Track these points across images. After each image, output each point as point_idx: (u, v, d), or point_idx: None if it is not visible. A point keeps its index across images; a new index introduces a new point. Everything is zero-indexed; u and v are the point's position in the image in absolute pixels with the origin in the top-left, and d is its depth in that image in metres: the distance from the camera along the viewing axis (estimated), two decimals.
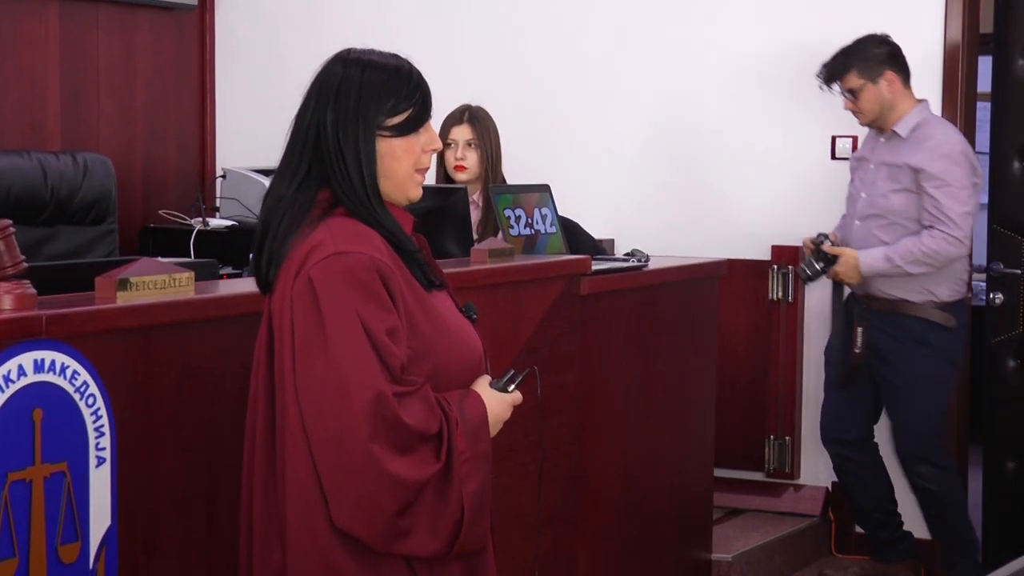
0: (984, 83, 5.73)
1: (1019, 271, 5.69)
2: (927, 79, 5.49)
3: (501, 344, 3.77)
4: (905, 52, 5.49)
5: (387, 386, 2.54)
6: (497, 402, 2.74)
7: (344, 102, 2.68)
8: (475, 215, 4.93)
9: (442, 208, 4.59)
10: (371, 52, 2.75)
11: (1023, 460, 5.72)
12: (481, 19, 6.26)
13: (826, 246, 5.11)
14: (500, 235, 4.24)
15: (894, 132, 5.14)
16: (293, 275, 2.60)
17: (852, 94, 5.16)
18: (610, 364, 4.31)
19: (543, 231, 4.35)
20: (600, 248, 5.07)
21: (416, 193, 2.75)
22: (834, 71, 5.18)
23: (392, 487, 2.55)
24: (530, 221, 4.33)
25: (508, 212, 4.27)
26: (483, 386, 2.74)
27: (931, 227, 5.00)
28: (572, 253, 4.39)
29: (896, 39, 5.50)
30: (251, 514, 2.72)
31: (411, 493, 2.56)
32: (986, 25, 5.70)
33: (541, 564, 3.93)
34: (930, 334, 5.08)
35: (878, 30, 5.51)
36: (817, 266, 5.13)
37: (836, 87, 5.20)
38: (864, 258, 5.08)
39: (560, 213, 4.49)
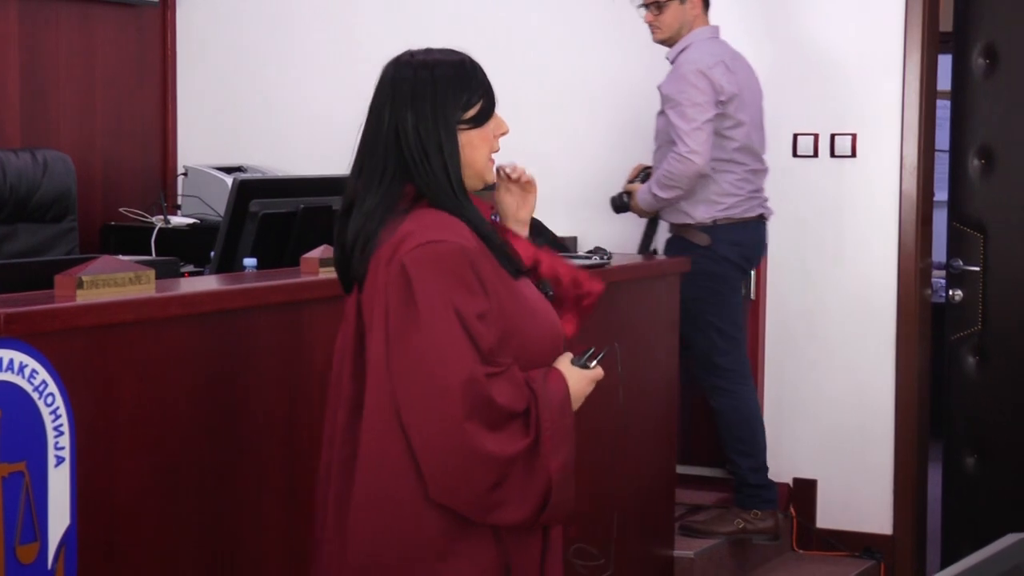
0: (944, 81, 5.76)
1: (978, 268, 5.72)
2: (887, 77, 5.52)
3: None
4: (866, 50, 5.53)
5: (479, 368, 2.67)
6: (578, 378, 2.84)
7: (422, 103, 2.80)
8: None
9: None
10: (432, 51, 2.90)
11: (983, 456, 5.75)
12: (442, 16, 6.25)
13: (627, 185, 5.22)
14: None
15: (667, 56, 5.26)
16: (384, 264, 2.70)
17: (657, 7, 5.24)
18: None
19: None
20: (562, 246, 5.08)
21: (492, 176, 2.89)
22: None
23: (485, 463, 2.68)
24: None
25: None
26: (565, 363, 2.85)
27: (670, 148, 5.08)
28: None
29: (857, 37, 5.54)
30: (327, 498, 2.80)
31: (503, 468, 2.69)
32: (946, 24, 5.73)
33: None
34: (689, 255, 5.10)
35: (837, 29, 5.54)
36: (623, 199, 5.25)
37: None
38: (639, 193, 5.18)
39: None
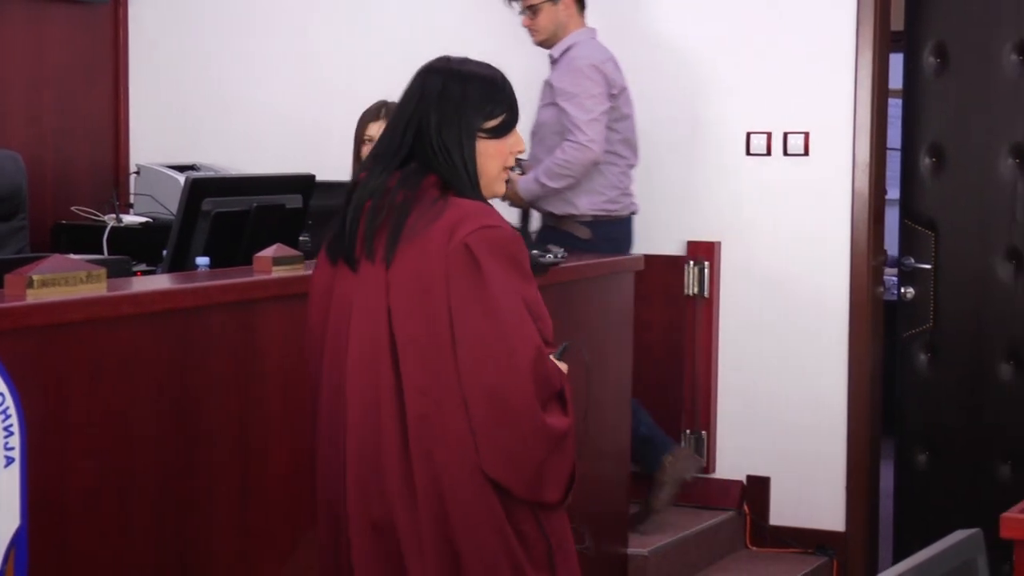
0: (896, 80, 5.80)
1: (930, 266, 5.76)
2: (839, 76, 5.55)
3: None
4: (818, 49, 5.55)
5: (543, 346, 2.81)
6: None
7: (447, 105, 2.91)
8: None
9: None
10: (468, 61, 3.00)
11: (934, 452, 5.79)
12: (395, 17, 6.24)
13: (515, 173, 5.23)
14: None
15: (551, 55, 5.36)
16: (440, 247, 2.79)
17: (532, 11, 5.36)
18: None
19: None
20: None
21: (502, 189, 2.99)
22: None
23: (544, 437, 2.81)
24: None
25: None
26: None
27: (565, 139, 5.18)
28: None
29: (809, 36, 5.56)
30: (364, 473, 2.83)
31: (555, 443, 2.83)
32: (897, 23, 5.77)
33: None
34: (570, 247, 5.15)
35: (789, 28, 5.57)
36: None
37: (516, 5, 5.42)
38: (520, 182, 5.25)
39: None
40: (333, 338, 2.89)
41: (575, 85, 5.20)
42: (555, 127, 5.23)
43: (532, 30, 5.39)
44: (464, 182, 2.89)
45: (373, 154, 2.96)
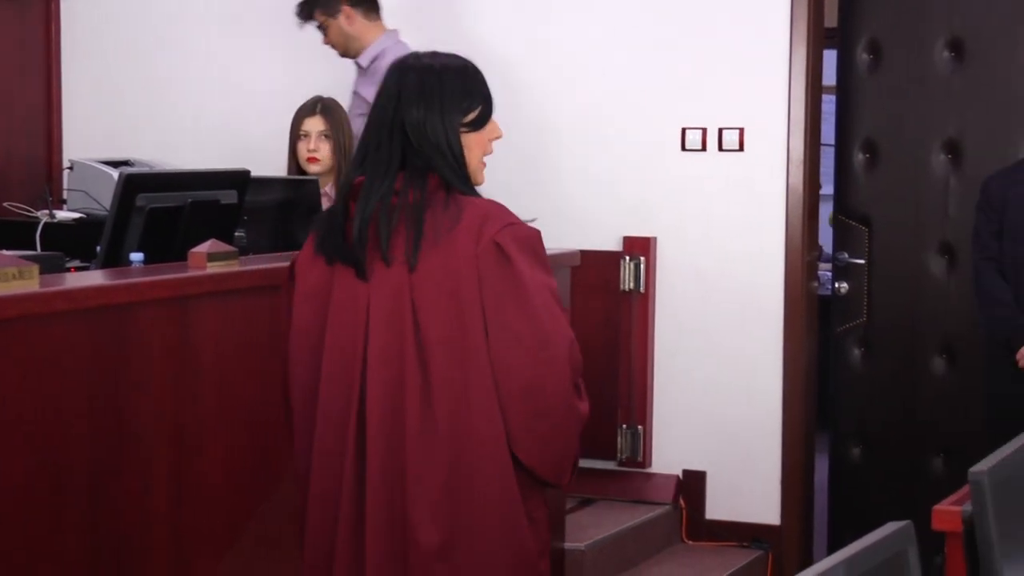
0: (829, 76, 5.84)
1: (863, 261, 5.80)
2: (773, 72, 5.58)
3: None
4: (752, 45, 5.58)
5: (572, 335, 2.92)
6: None
7: (428, 101, 2.96)
8: (327, 207, 4.90)
9: (293, 200, 4.57)
10: (437, 54, 3.05)
11: (868, 446, 5.83)
12: None
13: None
14: None
15: (358, 63, 5.45)
16: (471, 245, 2.87)
17: (322, 31, 5.48)
18: None
19: None
20: None
21: (482, 179, 3.05)
22: (304, 11, 5.51)
23: (576, 421, 2.95)
24: None
25: None
26: None
27: None
28: None
29: (744, 32, 5.58)
30: (389, 472, 2.88)
31: (581, 427, 2.97)
32: (831, 19, 5.80)
33: None
34: None
35: (724, 24, 5.59)
36: None
37: (311, 25, 5.52)
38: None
39: None
40: (337, 340, 2.92)
41: None
42: None
43: (331, 46, 5.49)
44: (460, 178, 2.96)
45: (361, 156, 2.98)
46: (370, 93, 5.26)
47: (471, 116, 3.00)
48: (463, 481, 2.89)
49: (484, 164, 3.05)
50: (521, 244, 2.92)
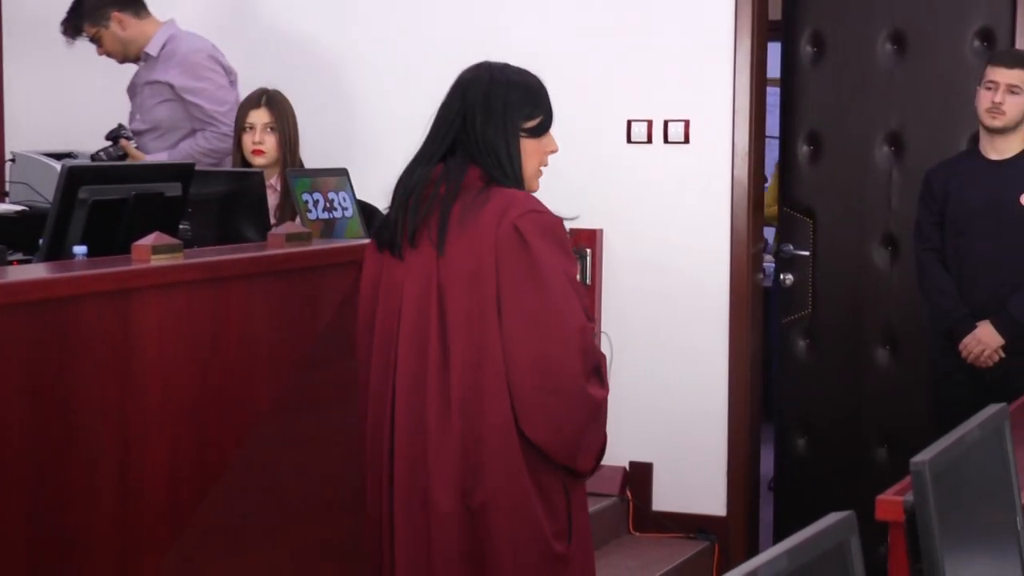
0: (773, 69, 5.87)
1: (808, 253, 5.84)
2: (718, 64, 5.60)
3: (298, 329, 3.75)
4: (697, 37, 5.60)
5: (586, 320, 3.07)
6: None
7: (492, 104, 3.19)
8: (273, 199, 4.88)
9: (238, 192, 4.54)
10: (508, 66, 3.31)
11: (813, 437, 5.87)
12: (276, 3, 6.20)
13: (123, 142, 5.30)
14: (298, 219, 4.21)
15: (147, 54, 5.47)
16: (493, 228, 3.06)
17: (97, 43, 5.49)
18: None
19: (341, 215, 4.34)
20: None
21: (537, 186, 3.26)
22: (73, 28, 5.52)
23: (586, 405, 3.06)
24: (328, 205, 4.30)
25: (306, 196, 4.24)
26: None
27: (203, 129, 5.34)
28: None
29: (688, 24, 5.60)
30: (410, 443, 3.14)
31: (594, 412, 3.09)
32: (775, 12, 5.83)
33: (342, 550, 3.92)
34: None
35: (669, 17, 5.61)
36: (114, 153, 5.31)
37: (81, 41, 5.52)
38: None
39: (359, 197, 4.47)
40: (383, 323, 3.19)
41: (200, 79, 5.36)
42: (176, 122, 5.39)
43: (108, 56, 5.52)
44: (507, 175, 3.15)
45: (420, 153, 3.24)
46: (172, 75, 5.35)
47: (532, 123, 3.22)
48: (473, 455, 3.09)
49: (541, 173, 3.27)
50: (541, 229, 3.08)
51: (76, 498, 3.23)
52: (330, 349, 3.87)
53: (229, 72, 5.46)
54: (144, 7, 5.50)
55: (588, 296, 3.20)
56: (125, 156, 5.26)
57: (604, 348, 3.34)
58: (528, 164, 3.23)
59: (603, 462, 5.66)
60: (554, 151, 3.30)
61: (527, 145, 3.22)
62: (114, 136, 5.30)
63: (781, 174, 5.95)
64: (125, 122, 5.52)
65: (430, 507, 3.13)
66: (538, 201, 3.16)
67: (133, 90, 5.60)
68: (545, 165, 3.29)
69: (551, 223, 3.11)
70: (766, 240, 6.03)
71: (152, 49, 5.43)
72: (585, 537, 3.26)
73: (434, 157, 3.20)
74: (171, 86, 5.38)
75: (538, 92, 3.28)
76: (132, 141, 5.32)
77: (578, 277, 3.18)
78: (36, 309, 3.08)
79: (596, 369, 3.11)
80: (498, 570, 3.13)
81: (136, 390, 3.34)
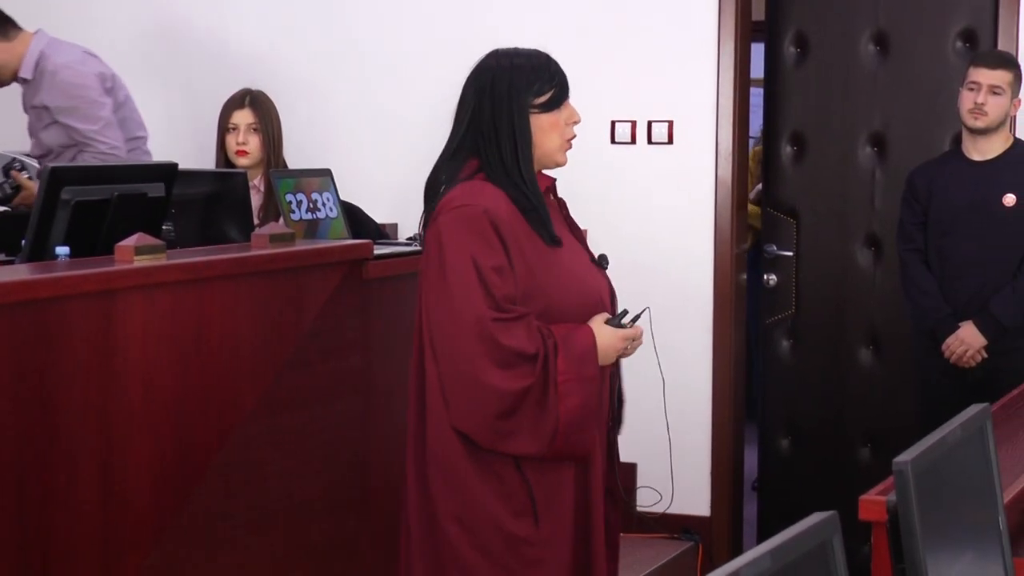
0: (757, 69, 5.87)
1: (791, 253, 5.84)
2: (702, 65, 5.60)
3: (282, 330, 3.75)
4: (681, 38, 5.61)
5: (488, 312, 3.13)
6: (607, 335, 3.28)
7: (499, 87, 3.27)
8: (256, 200, 4.88)
9: (221, 193, 4.54)
10: (517, 49, 3.36)
11: (796, 437, 5.88)
12: (257, 2, 6.20)
13: (14, 174, 5.08)
14: (281, 220, 4.21)
15: (23, 79, 5.24)
16: (431, 225, 3.25)
17: None
18: (394, 349, 4.30)
19: (325, 216, 4.33)
20: (383, 233, 5.06)
21: (563, 159, 3.38)
22: None
23: (490, 395, 3.14)
24: (312, 206, 4.30)
25: (289, 197, 4.24)
26: (598, 322, 3.29)
27: (82, 151, 5.13)
28: (355, 238, 4.38)
29: (672, 25, 5.61)
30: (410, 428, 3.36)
31: (508, 401, 3.14)
32: (758, 13, 5.84)
33: (324, 550, 3.92)
34: None
35: (653, 17, 5.61)
36: (7, 189, 5.10)
37: None
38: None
39: (342, 198, 4.47)
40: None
41: (71, 98, 5.14)
42: (65, 141, 5.17)
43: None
44: (499, 164, 3.23)
45: (442, 151, 3.35)
46: (50, 98, 5.11)
47: (542, 98, 3.27)
48: (421, 440, 3.28)
49: (567, 145, 3.34)
50: (460, 224, 3.17)
51: (58, 499, 3.22)
52: (313, 350, 3.87)
53: (104, 79, 5.23)
54: (14, 27, 5.23)
55: (527, 284, 3.21)
56: (19, 189, 5.03)
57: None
58: (546, 140, 3.30)
59: None
60: (576, 121, 3.35)
61: (541, 121, 3.28)
62: (6, 169, 5.07)
63: (764, 174, 5.95)
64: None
65: (406, 490, 3.34)
66: (480, 196, 3.20)
67: (28, 112, 5.37)
68: (571, 137, 3.35)
69: (472, 215, 3.17)
70: (749, 239, 6.03)
71: (26, 72, 5.17)
72: (562, 523, 3.29)
73: (444, 154, 3.32)
74: (49, 110, 5.18)
75: (545, 67, 3.32)
76: (25, 172, 5.07)
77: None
78: (18, 310, 3.08)
79: (510, 358, 3.13)
80: (453, 547, 3.26)
81: (119, 391, 3.34)
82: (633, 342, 3.37)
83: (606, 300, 3.40)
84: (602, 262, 3.47)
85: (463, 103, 3.32)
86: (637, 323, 3.38)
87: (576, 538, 3.34)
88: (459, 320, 3.14)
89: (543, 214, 3.28)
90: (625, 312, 3.36)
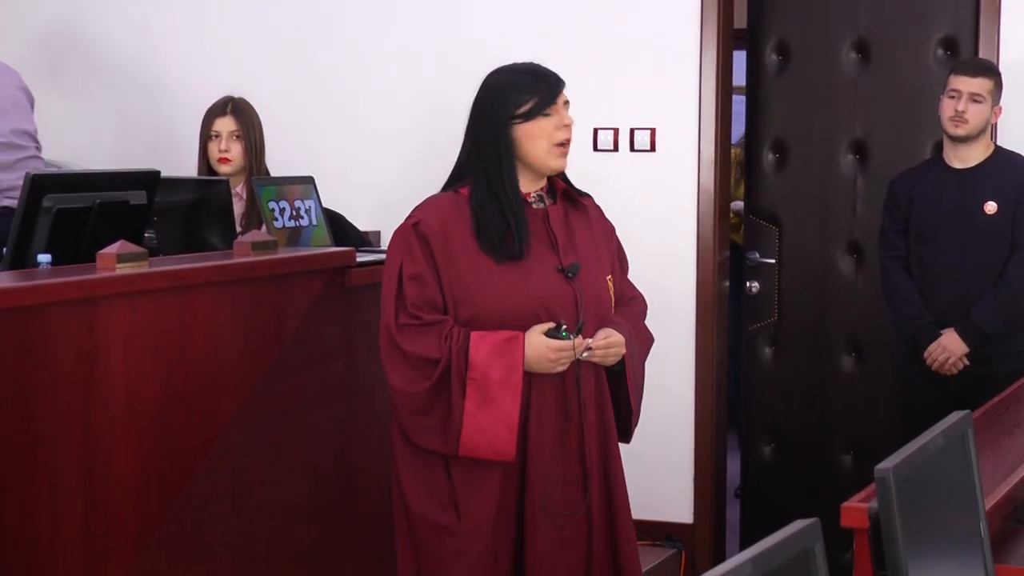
0: (739, 77, 5.88)
1: (774, 260, 5.85)
2: (684, 73, 5.61)
3: (265, 337, 3.75)
4: (663, 46, 5.62)
5: (393, 318, 3.35)
6: (536, 345, 3.34)
7: (485, 103, 3.43)
8: (239, 207, 4.87)
9: (203, 200, 4.53)
10: (513, 64, 3.52)
11: (779, 444, 5.88)
12: (239, 10, 6.19)
13: None
14: (264, 227, 4.21)
15: None
16: None
17: None
18: (376, 355, 4.29)
19: (307, 223, 4.33)
20: (366, 240, 5.06)
21: (557, 164, 3.45)
22: None
23: (396, 395, 3.38)
24: (294, 213, 4.30)
25: (272, 204, 4.24)
26: (535, 331, 3.36)
27: None
28: (337, 245, 4.38)
29: (654, 33, 5.62)
30: None
31: (411, 401, 3.35)
32: (740, 21, 5.85)
33: (309, 556, 3.92)
34: None
35: (635, 25, 5.62)
36: None
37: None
38: None
39: (325, 205, 4.47)
40: None
41: None
42: None
43: None
44: (486, 173, 3.38)
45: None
46: None
47: (524, 108, 3.38)
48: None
49: (557, 150, 3.41)
50: (397, 236, 3.43)
51: (41, 507, 3.21)
52: (296, 357, 3.87)
53: (27, 95, 5.32)
54: None
55: (457, 292, 3.39)
56: None
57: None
58: (533, 147, 3.40)
59: None
60: (566, 124, 3.44)
61: (525, 130, 3.39)
62: None
63: (747, 182, 5.96)
64: None
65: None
66: (428, 209, 3.42)
67: None
68: (560, 141, 3.42)
69: (404, 228, 3.41)
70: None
71: None
72: (484, 521, 3.40)
73: (458, 167, 3.49)
74: None
75: (528, 77, 3.43)
76: None
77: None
78: (0, 318, 3.07)
79: (414, 361, 3.34)
80: (403, 536, 3.51)
81: (102, 399, 3.33)
82: (564, 353, 3.38)
83: (555, 310, 3.42)
84: (569, 271, 3.47)
85: (468, 121, 3.48)
86: (580, 336, 3.40)
87: (500, 538, 3.43)
88: (380, 326, 3.39)
89: (514, 225, 3.38)
90: (560, 324, 3.38)
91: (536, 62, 3.54)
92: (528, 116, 3.39)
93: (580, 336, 3.40)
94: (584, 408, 3.48)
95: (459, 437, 3.33)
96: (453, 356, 3.32)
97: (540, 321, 3.39)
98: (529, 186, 3.50)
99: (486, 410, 3.32)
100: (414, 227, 3.38)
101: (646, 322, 3.81)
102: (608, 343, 3.45)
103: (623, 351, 3.51)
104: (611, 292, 3.60)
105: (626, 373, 3.58)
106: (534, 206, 3.51)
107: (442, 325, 3.35)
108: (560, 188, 3.57)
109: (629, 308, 3.70)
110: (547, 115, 3.40)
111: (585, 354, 3.43)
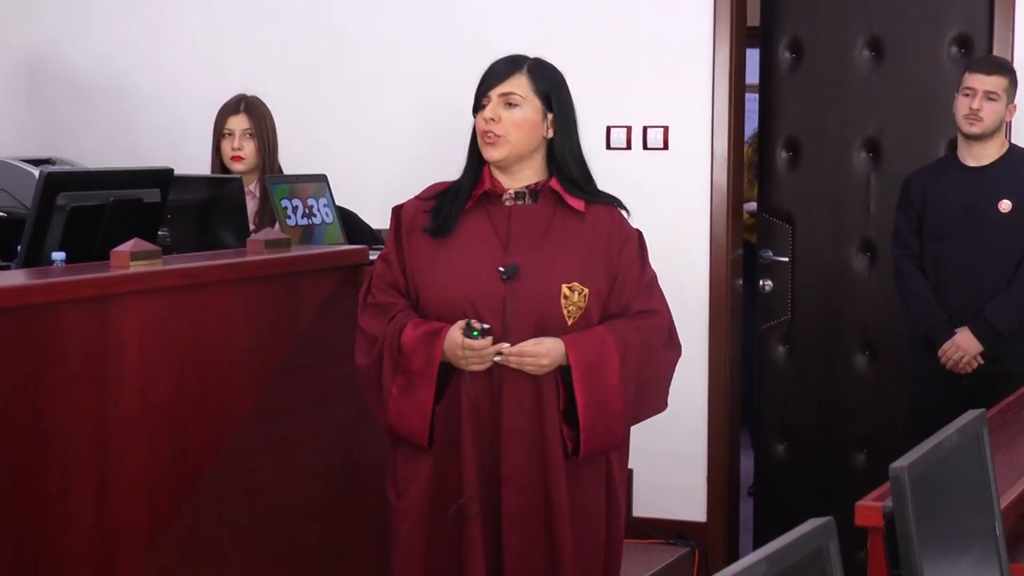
0: (752, 75, 5.87)
1: (787, 259, 5.84)
2: (697, 71, 5.61)
3: (277, 336, 3.74)
4: (676, 44, 5.61)
5: (364, 294, 3.54)
6: (450, 339, 3.39)
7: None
8: (252, 205, 4.87)
9: (216, 198, 4.54)
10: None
11: (792, 442, 5.88)
12: (251, 8, 6.19)
13: None
14: (277, 225, 4.21)
15: None
16: None
17: None
18: None
19: (320, 221, 4.33)
20: (378, 238, 5.05)
21: (488, 155, 3.50)
22: None
23: (357, 368, 3.51)
24: (307, 211, 4.30)
25: (285, 202, 4.23)
26: (455, 326, 3.39)
27: None
28: (350, 243, 4.37)
29: (667, 32, 5.61)
30: None
31: (361, 375, 3.50)
32: (753, 18, 5.84)
33: (319, 556, 3.92)
34: None
35: (648, 23, 5.62)
36: None
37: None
38: None
39: (338, 203, 4.47)
40: None
41: None
42: None
43: None
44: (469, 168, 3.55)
45: None
46: None
47: (476, 102, 3.53)
48: None
49: (483, 140, 3.49)
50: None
51: (52, 506, 3.21)
52: (309, 355, 3.87)
53: None
54: None
55: (413, 276, 3.52)
56: None
57: None
58: (478, 139, 3.53)
59: None
60: (488, 117, 3.49)
61: (476, 121, 3.53)
62: None
63: (760, 180, 5.95)
64: None
65: None
66: (418, 194, 3.59)
67: None
68: (483, 131, 3.49)
69: (395, 210, 3.57)
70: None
71: None
72: (416, 503, 3.45)
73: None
74: None
75: (485, 72, 3.56)
76: None
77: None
78: (13, 316, 3.07)
79: (364, 337, 3.49)
80: (387, 526, 3.61)
81: (114, 397, 3.33)
82: (469, 352, 3.35)
83: (481, 307, 3.39)
84: (506, 273, 3.40)
85: None
86: (490, 338, 3.36)
87: (435, 525, 3.44)
88: None
89: (448, 208, 3.48)
90: (468, 323, 3.36)
91: (514, 54, 3.64)
92: (474, 109, 3.53)
93: (490, 338, 3.36)
94: (499, 411, 3.41)
95: (387, 415, 3.45)
96: (387, 339, 3.42)
97: (465, 316, 3.39)
98: (509, 182, 3.51)
99: (406, 396, 3.41)
100: (395, 210, 3.55)
101: (673, 335, 3.69)
102: (522, 351, 3.36)
103: (545, 364, 3.37)
104: (572, 300, 3.43)
105: (574, 387, 3.41)
106: (506, 203, 3.49)
107: (389, 305, 3.47)
108: (554, 190, 3.50)
109: (632, 321, 3.53)
110: (483, 107, 3.51)
111: (498, 358, 3.37)
